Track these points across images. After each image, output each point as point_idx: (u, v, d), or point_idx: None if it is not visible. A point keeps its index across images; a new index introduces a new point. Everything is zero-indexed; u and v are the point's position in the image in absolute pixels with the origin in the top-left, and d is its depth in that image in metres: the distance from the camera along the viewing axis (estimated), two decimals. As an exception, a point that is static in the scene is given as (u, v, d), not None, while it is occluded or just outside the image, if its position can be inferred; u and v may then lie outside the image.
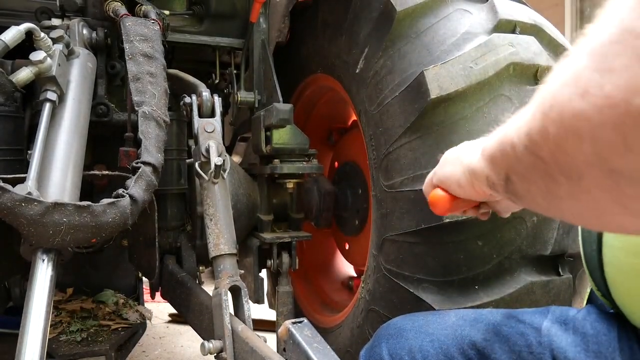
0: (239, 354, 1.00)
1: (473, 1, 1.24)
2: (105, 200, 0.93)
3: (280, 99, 1.61)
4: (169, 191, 1.56)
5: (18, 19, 1.51)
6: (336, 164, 2.00)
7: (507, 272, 1.11)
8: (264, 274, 1.77)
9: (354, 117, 1.93)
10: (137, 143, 1.11)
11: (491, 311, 0.86)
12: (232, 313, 1.09)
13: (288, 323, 0.95)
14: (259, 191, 1.73)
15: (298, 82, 1.90)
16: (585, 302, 0.86)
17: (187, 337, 2.67)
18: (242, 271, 1.20)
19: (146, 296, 2.05)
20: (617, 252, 0.64)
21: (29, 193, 0.85)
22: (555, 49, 1.25)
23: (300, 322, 0.95)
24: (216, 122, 1.31)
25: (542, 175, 0.43)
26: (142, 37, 1.27)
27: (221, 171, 1.19)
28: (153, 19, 1.37)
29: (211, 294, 1.12)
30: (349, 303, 1.64)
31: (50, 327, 1.44)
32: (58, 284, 1.57)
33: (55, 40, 1.13)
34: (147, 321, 1.78)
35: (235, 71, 1.84)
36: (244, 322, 1.07)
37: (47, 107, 1.03)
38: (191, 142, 1.64)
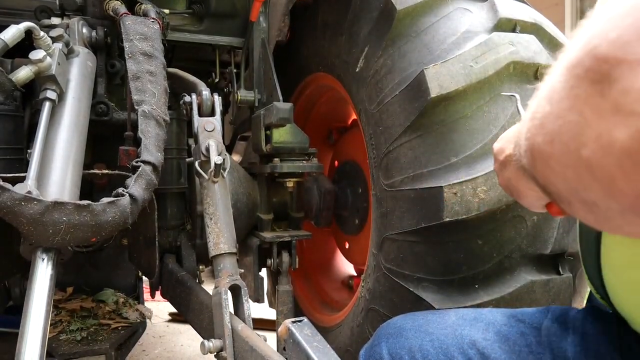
0: (238, 353, 1.00)
1: (473, 0, 1.24)
2: (105, 199, 0.93)
3: (280, 98, 1.61)
4: (168, 190, 1.56)
5: (18, 17, 1.51)
6: (336, 163, 2.00)
7: (507, 271, 1.11)
8: (264, 273, 1.77)
9: (354, 116, 1.93)
10: (137, 142, 1.11)
11: (491, 311, 0.85)
12: (232, 312, 1.09)
13: (288, 322, 0.95)
14: (259, 190, 1.73)
15: (298, 81, 1.90)
16: (585, 301, 0.86)
17: (187, 336, 2.67)
18: (242, 270, 1.20)
19: (146, 295, 2.05)
20: (616, 262, 0.63)
21: (29, 192, 0.85)
22: (556, 47, 1.25)
23: (300, 321, 0.95)
24: (216, 121, 1.30)
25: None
26: (142, 36, 1.26)
27: (221, 170, 1.19)
28: (153, 18, 1.37)
29: (211, 293, 1.12)
30: (349, 302, 1.64)
31: (50, 326, 1.45)
32: (58, 283, 1.57)
33: (55, 39, 1.13)
34: (147, 320, 1.78)
35: (235, 70, 1.84)
36: (243, 321, 1.07)
37: (47, 106, 1.03)
38: (191, 141, 1.64)
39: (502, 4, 1.20)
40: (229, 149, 2.23)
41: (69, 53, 1.20)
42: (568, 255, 1.15)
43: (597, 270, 0.66)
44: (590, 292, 0.77)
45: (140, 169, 1.03)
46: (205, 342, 1.03)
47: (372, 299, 1.33)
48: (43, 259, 0.87)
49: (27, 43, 1.08)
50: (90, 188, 1.52)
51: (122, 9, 1.39)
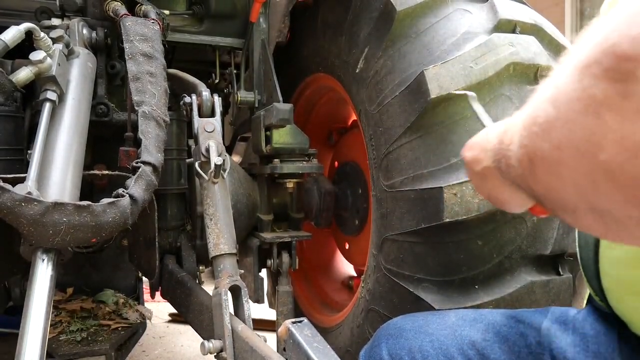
0: (239, 354, 1.00)
1: (473, 1, 1.24)
2: (105, 200, 0.93)
3: (280, 98, 1.61)
4: (169, 191, 1.56)
5: (18, 18, 1.51)
6: (336, 163, 2.00)
7: (507, 271, 1.11)
8: (264, 273, 1.77)
9: (354, 117, 1.93)
10: (137, 143, 1.11)
11: (491, 311, 0.85)
12: (232, 313, 1.09)
13: (288, 323, 0.95)
14: (259, 191, 1.73)
15: (298, 82, 1.90)
16: (585, 302, 0.85)
17: (187, 337, 2.67)
18: (242, 271, 1.20)
19: (146, 296, 2.05)
20: (615, 264, 0.63)
21: (29, 193, 0.85)
22: (556, 48, 1.25)
23: (300, 321, 0.95)
24: (216, 121, 1.30)
25: None
26: (142, 37, 1.27)
27: (221, 171, 1.19)
28: (153, 19, 1.37)
29: (211, 294, 1.12)
30: (349, 303, 1.64)
31: (50, 326, 1.45)
32: (58, 284, 1.57)
33: (55, 40, 1.13)
34: (147, 321, 1.78)
35: (235, 71, 1.84)
36: (244, 321, 1.07)
37: (47, 106, 1.03)
38: (191, 142, 1.64)
39: (502, 5, 1.20)
40: (229, 149, 2.23)
41: (69, 54, 1.20)
42: (568, 256, 1.15)
43: (595, 273, 0.66)
44: (590, 293, 0.77)
45: (140, 169, 1.03)
46: (206, 342, 1.03)
47: (372, 300, 1.33)
48: (43, 260, 0.87)
49: (27, 44, 1.08)
50: (90, 189, 1.52)
51: (122, 10, 1.39)
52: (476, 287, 1.11)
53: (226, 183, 1.23)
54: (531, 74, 1.14)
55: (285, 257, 1.66)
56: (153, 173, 1.05)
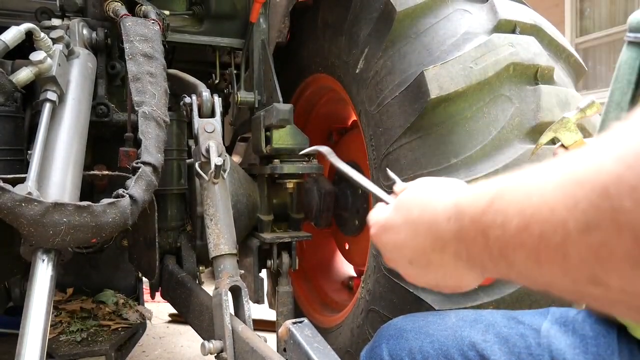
0: (239, 354, 1.00)
1: (473, 1, 1.24)
2: (105, 201, 0.93)
3: (280, 99, 1.61)
4: (169, 191, 1.56)
5: (18, 19, 1.51)
6: (336, 164, 2.00)
7: (507, 272, 1.10)
8: (264, 274, 1.77)
9: (354, 117, 1.93)
10: (137, 143, 1.11)
11: (491, 312, 0.85)
12: (232, 313, 1.09)
13: (288, 323, 0.95)
14: (259, 191, 1.73)
15: (298, 83, 1.90)
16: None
17: (187, 337, 2.67)
18: (242, 271, 1.20)
19: (146, 296, 2.05)
20: None
21: (29, 193, 0.85)
22: (555, 49, 1.25)
23: (300, 322, 0.95)
24: (216, 122, 1.30)
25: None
26: (142, 37, 1.27)
27: (221, 171, 1.19)
28: (153, 19, 1.37)
29: (211, 294, 1.12)
30: (349, 303, 1.64)
31: (50, 327, 1.45)
32: (58, 284, 1.57)
33: (55, 41, 1.13)
34: (147, 321, 1.78)
35: (235, 71, 1.84)
36: (244, 322, 1.07)
37: (47, 107, 1.03)
38: (191, 142, 1.64)
39: (501, 5, 1.20)
40: (229, 150, 2.23)
41: (69, 54, 1.20)
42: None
43: None
44: None
45: (140, 170, 1.03)
46: (206, 343, 1.03)
47: (372, 300, 1.33)
48: (43, 260, 0.87)
49: (27, 44, 1.08)
50: (90, 189, 1.52)
51: (123, 10, 1.39)
52: (476, 287, 1.10)
53: (226, 183, 1.23)
54: (531, 74, 1.14)
55: (285, 257, 1.66)
56: (153, 173, 1.06)
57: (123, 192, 0.98)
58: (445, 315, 0.88)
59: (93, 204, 0.90)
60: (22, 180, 0.90)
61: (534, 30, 1.21)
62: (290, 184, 1.68)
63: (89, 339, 1.50)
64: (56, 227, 0.84)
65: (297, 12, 1.78)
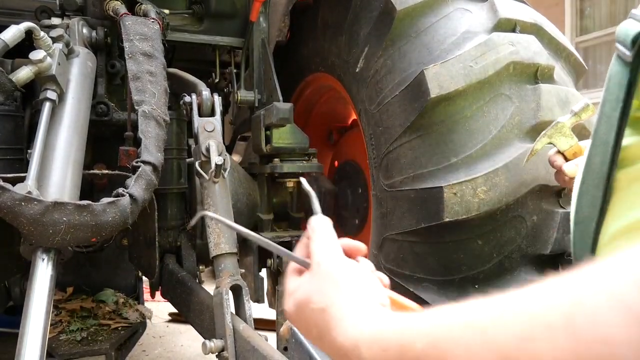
0: (240, 353, 1.00)
1: (473, 0, 1.24)
2: (105, 200, 0.93)
3: (280, 98, 1.61)
4: (169, 190, 1.56)
5: (18, 18, 1.51)
6: (336, 163, 2.00)
7: (507, 271, 1.11)
8: (264, 273, 1.77)
9: (354, 116, 1.93)
10: (137, 142, 1.11)
11: None
12: (233, 312, 1.09)
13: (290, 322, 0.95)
14: (259, 190, 1.73)
15: (298, 82, 1.90)
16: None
17: (187, 336, 2.67)
18: (242, 270, 1.20)
19: (146, 295, 2.05)
20: None
21: (29, 192, 0.85)
22: (556, 48, 1.25)
23: (300, 321, 0.95)
24: (216, 121, 1.30)
25: None
26: (142, 36, 1.26)
27: (221, 170, 1.19)
28: (153, 18, 1.37)
29: (212, 293, 1.12)
30: (349, 302, 1.64)
31: (50, 326, 1.44)
32: (58, 283, 1.57)
33: (55, 40, 1.13)
34: (147, 320, 1.78)
35: (235, 70, 1.84)
36: (245, 321, 1.07)
37: (47, 106, 1.03)
38: (191, 141, 1.63)
39: (502, 4, 1.20)
40: (229, 149, 2.22)
41: (69, 53, 1.19)
42: (568, 256, 1.15)
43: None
44: None
45: (140, 169, 1.03)
46: (207, 342, 1.03)
47: (372, 299, 1.33)
48: (43, 259, 0.87)
49: (27, 43, 1.08)
50: (90, 188, 1.52)
51: (122, 9, 1.39)
52: (476, 286, 1.11)
53: (226, 182, 1.23)
54: (531, 73, 1.14)
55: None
56: (153, 172, 1.05)
57: (123, 191, 0.98)
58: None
59: (93, 203, 0.90)
60: (22, 180, 0.90)
61: (534, 29, 1.21)
62: (290, 183, 1.68)
63: (89, 338, 1.50)
64: (56, 226, 0.84)
65: (297, 11, 1.78)
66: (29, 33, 1.06)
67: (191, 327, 1.35)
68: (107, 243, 1.58)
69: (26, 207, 0.82)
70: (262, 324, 2.60)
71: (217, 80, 1.89)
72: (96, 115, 1.43)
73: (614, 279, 0.25)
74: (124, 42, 1.25)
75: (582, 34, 5.29)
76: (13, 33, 1.05)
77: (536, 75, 1.15)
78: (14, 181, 0.88)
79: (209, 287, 1.22)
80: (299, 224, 1.78)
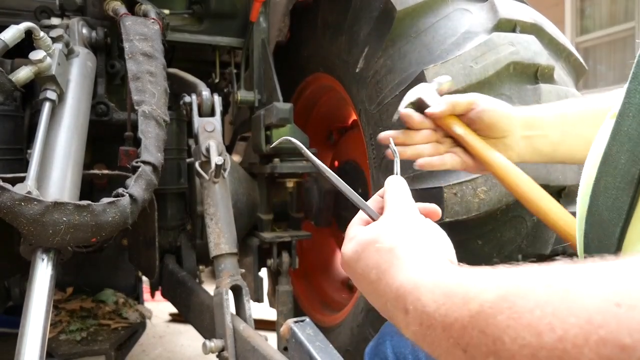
0: (240, 353, 1.00)
1: (473, 0, 1.24)
2: (105, 200, 0.92)
3: (280, 98, 1.61)
4: (169, 190, 1.56)
5: (17, 17, 1.51)
6: (336, 163, 2.00)
7: (508, 271, 1.11)
8: (263, 273, 1.77)
9: (354, 117, 1.93)
10: (137, 142, 1.11)
11: None
12: (234, 312, 1.09)
13: (290, 322, 0.95)
14: (259, 190, 1.73)
15: (298, 82, 1.90)
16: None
17: (188, 336, 2.67)
18: (242, 270, 1.20)
19: (146, 295, 2.05)
20: None
21: (29, 192, 0.85)
22: (556, 48, 1.25)
23: (302, 321, 0.95)
24: (216, 121, 1.31)
25: None
26: (142, 36, 1.26)
27: (221, 170, 1.19)
28: (153, 18, 1.37)
29: (212, 293, 1.12)
30: (349, 302, 1.64)
31: (50, 326, 1.44)
32: (58, 283, 1.57)
33: (54, 40, 1.13)
34: (147, 320, 1.78)
35: (235, 70, 1.84)
36: (245, 321, 1.07)
37: (47, 106, 1.03)
38: (191, 142, 1.64)
39: (502, 4, 1.20)
40: (229, 149, 2.23)
41: (69, 53, 1.19)
42: (568, 256, 1.15)
43: None
44: None
45: (140, 169, 1.03)
46: (207, 342, 1.03)
47: (372, 299, 1.33)
48: (43, 259, 0.87)
49: (27, 43, 1.08)
50: (90, 188, 1.52)
51: (122, 9, 1.39)
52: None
53: (226, 183, 1.23)
54: (531, 74, 1.14)
55: (285, 256, 1.66)
56: (153, 173, 1.05)
57: (123, 191, 0.98)
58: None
59: (93, 203, 0.90)
60: (22, 180, 0.90)
61: (535, 29, 1.21)
62: (290, 183, 1.68)
63: (89, 338, 1.50)
64: (56, 227, 0.84)
65: (297, 11, 1.78)
66: (28, 33, 1.06)
67: (191, 327, 1.35)
68: (107, 243, 1.58)
69: (26, 207, 0.82)
70: (262, 324, 2.60)
71: (217, 80, 1.89)
72: (96, 115, 1.43)
73: None
74: (123, 42, 1.25)
75: (582, 34, 5.29)
76: (13, 33, 1.05)
77: (536, 75, 1.15)
78: (14, 181, 0.88)
79: (209, 287, 1.22)
80: (299, 224, 1.78)
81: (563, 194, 1.11)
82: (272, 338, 1.00)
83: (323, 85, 1.78)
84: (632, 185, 0.42)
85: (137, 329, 1.68)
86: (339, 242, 2.02)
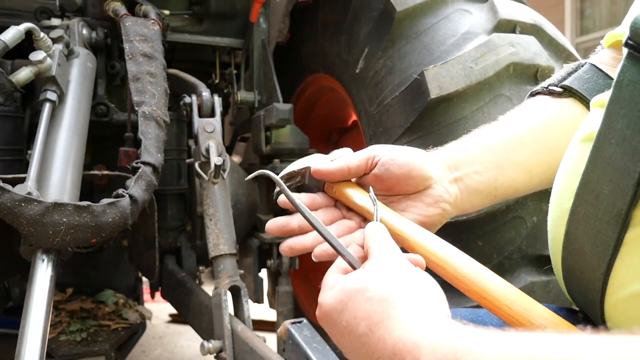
0: (238, 354, 1.00)
1: (473, 1, 1.24)
2: (105, 200, 0.93)
3: (280, 98, 1.61)
4: (168, 191, 1.56)
5: (18, 18, 1.51)
6: (336, 163, 2.00)
7: (507, 272, 1.10)
8: (263, 273, 1.77)
9: (354, 117, 1.93)
10: (137, 143, 1.11)
11: (488, 312, 0.85)
12: (232, 313, 1.09)
13: (287, 323, 0.95)
14: (258, 191, 1.73)
15: (298, 82, 1.90)
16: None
17: (187, 337, 2.67)
18: (242, 271, 1.20)
19: (146, 296, 2.05)
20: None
21: (29, 193, 0.85)
22: (556, 48, 1.25)
23: (299, 322, 0.95)
24: (216, 122, 1.31)
25: None
26: (142, 37, 1.27)
27: (221, 171, 1.19)
28: (153, 19, 1.37)
29: (211, 294, 1.12)
30: (348, 303, 1.64)
31: (50, 327, 1.44)
32: (58, 284, 1.57)
33: (55, 40, 1.13)
34: (147, 321, 1.78)
35: (235, 71, 1.84)
36: (243, 322, 1.07)
37: (47, 107, 1.03)
38: (191, 142, 1.64)
39: (501, 5, 1.20)
40: (229, 150, 2.23)
41: (69, 54, 1.20)
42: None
43: (598, 303, 0.51)
44: None
45: (140, 170, 1.03)
46: (205, 343, 1.03)
47: (372, 300, 1.33)
48: (43, 260, 0.87)
49: (27, 44, 1.08)
50: (90, 189, 1.52)
51: (122, 10, 1.39)
52: (476, 287, 1.10)
53: (226, 183, 1.23)
54: (531, 74, 1.14)
55: (285, 257, 1.66)
56: (153, 173, 1.05)
57: (123, 192, 0.98)
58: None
59: (93, 204, 0.90)
60: (22, 180, 0.90)
61: (534, 30, 1.21)
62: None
63: (89, 338, 1.50)
64: (56, 227, 0.84)
65: (297, 12, 1.78)
66: (28, 34, 1.06)
67: (191, 327, 1.35)
68: (107, 244, 1.58)
69: (26, 207, 0.82)
70: (262, 325, 2.60)
71: (217, 81, 1.89)
72: (96, 116, 1.43)
73: None
74: (124, 43, 1.25)
75: (582, 35, 5.29)
76: (13, 34, 1.05)
77: (536, 76, 1.15)
78: (14, 182, 0.88)
79: (209, 288, 1.22)
80: (299, 225, 1.78)
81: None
82: (272, 339, 1.00)
83: (323, 86, 1.78)
84: (619, 221, 0.39)
85: (137, 330, 1.68)
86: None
